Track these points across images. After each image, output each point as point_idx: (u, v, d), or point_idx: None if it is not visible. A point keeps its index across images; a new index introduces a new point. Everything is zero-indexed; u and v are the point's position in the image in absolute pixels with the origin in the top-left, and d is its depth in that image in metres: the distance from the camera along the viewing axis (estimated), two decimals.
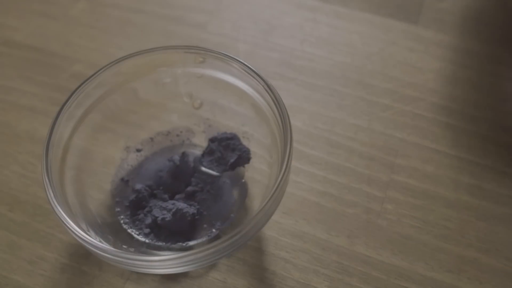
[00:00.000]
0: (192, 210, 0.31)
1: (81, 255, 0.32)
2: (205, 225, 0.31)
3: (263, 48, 0.43)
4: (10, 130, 0.38)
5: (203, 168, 0.33)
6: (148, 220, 0.31)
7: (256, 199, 0.32)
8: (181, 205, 0.31)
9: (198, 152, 0.34)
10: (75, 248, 0.32)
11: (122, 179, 0.33)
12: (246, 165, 0.33)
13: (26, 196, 0.35)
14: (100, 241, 0.25)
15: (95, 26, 0.46)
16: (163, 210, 0.31)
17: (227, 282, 0.31)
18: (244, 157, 0.33)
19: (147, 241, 0.30)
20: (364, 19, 0.45)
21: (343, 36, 0.44)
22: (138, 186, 0.32)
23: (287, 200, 0.34)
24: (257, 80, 0.29)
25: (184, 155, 0.34)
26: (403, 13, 0.46)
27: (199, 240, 0.31)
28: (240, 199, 0.32)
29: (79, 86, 0.30)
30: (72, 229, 0.25)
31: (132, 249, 0.30)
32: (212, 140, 0.34)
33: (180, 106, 0.35)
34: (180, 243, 0.30)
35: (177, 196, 0.32)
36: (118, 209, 0.32)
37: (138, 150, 0.35)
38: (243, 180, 0.33)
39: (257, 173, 0.32)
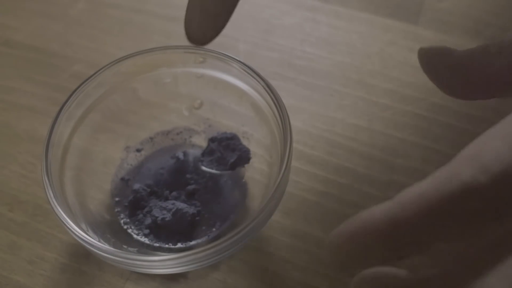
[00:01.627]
0: (192, 210, 0.31)
1: (81, 255, 0.32)
2: (205, 225, 0.31)
3: (263, 48, 0.43)
4: (10, 130, 0.38)
5: (203, 168, 0.33)
6: (148, 220, 0.31)
7: (256, 199, 0.32)
8: (181, 205, 0.31)
9: (198, 152, 0.34)
10: (75, 248, 0.32)
11: (122, 179, 0.33)
12: (246, 165, 0.33)
13: (26, 196, 0.35)
14: (100, 241, 0.25)
15: (95, 26, 0.46)
16: (163, 210, 0.31)
17: (227, 282, 0.31)
18: (244, 157, 0.33)
19: (147, 241, 0.30)
20: (364, 19, 0.45)
21: (343, 36, 0.44)
22: (136, 186, 0.32)
23: (287, 200, 0.34)
24: (257, 80, 0.29)
25: (185, 154, 0.34)
26: (403, 13, 0.46)
27: (199, 240, 0.31)
28: (240, 199, 0.32)
29: (79, 86, 0.30)
30: (72, 229, 0.25)
31: (132, 249, 0.30)
32: (212, 140, 0.34)
33: (180, 106, 0.35)
34: (180, 243, 0.30)
35: (174, 193, 0.32)
36: (118, 209, 0.32)
37: (138, 150, 0.35)
38: (243, 180, 0.33)
39: (257, 173, 0.32)
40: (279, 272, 0.31)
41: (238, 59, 0.30)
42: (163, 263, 0.24)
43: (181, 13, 0.46)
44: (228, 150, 0.33)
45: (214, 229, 0.31)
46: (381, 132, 0.37)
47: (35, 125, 0.38)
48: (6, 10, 0.47)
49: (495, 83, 0.23)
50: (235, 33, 0.44)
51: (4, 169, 0.36)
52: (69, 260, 0.32)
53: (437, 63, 0.24)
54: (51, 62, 0.43)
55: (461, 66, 0.23)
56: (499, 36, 0.43)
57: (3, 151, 0.37)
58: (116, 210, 0.32)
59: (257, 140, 0.33)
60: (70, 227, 0.25)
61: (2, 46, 0.44)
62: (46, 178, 0.27)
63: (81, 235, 0.25)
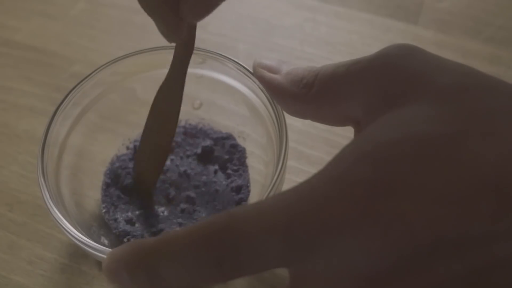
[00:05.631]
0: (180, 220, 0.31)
1: (81, 255, 0.32)
2: None
3: (263, 48, 0.43)
4: (10, 130, 0.38)
5: (200, 168, 0.33)
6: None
7: (255, 199, 0.32)
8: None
9: (195, 151, 0.34)
10: (74, 248, 0.32)
11: (115, 178, 0.33)
12: (243, 165, 0.33)
13: (26, 196, 0.35)
14: (96, 241, 0.25)
15: (95, 26, 0.46)
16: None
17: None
18: (239, 157, 0.33)
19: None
20: (363, 19, 0.45)
21: (342, 36, 0.44)
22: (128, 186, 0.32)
23: None
24: (252, 80, 0.30)
25: (182, 153, 0.34)
26: (403, 13, 0.46)
27: None
28: (240, 198, 0.32)
29: (76, 85, 0.30)
30: (68, 230, 0.25)
31: None
32: (208, 140, 0.34)
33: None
34: None
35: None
36: (108, 209, 0.32)
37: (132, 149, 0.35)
38: (242, 179, 0.33)
39: (255, 172, 0.32)
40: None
41: (233, 59, 0.30)
42: None
43: None
44: (224, 150, 0.33)
45: None
46: None
47: (35, 125, 0.38)
48: (6, 10, 0.47)
49: (301, 113, 0.25)
50: (235, 33, 0.44)
51: (4, 169, 0.36)
52: (68, 260, 0.32)
53: (263, 86, 0.26)
54: (51, 62, 0.43)
55: (276, 96, 0.26)
56: (498, 36, 0.43)
57: (3, 151, 0.37)
58: (107, 209, 0.32)
59: (254, 140, 0.33)
60: (66, 228, 0.25)
61: (2, 46, 0.44)
62: (42, 179, 0.27)
63: (76, 235, 0.25)
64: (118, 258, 0.18)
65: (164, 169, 0.33)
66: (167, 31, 0.24)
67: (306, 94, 0.24)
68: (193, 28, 0.25)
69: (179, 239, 0.17)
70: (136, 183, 0.32)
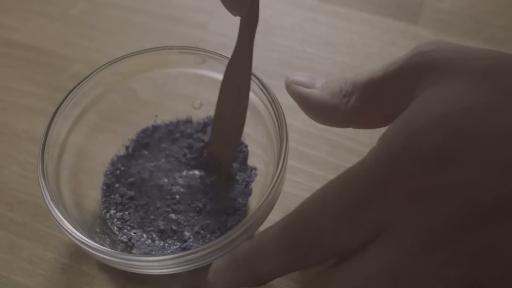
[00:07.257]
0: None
1: (81, 255, 0.32)
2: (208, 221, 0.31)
3: (263, 48, 0.43)
4: (10, 130, 0.38)
5: (202, 167, 0.33)
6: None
7: (255, 199, 0.32)
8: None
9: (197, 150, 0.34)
10: (74, 248, 0.32)
11: (114, 180, 0.33)
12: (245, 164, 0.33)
13: (26, 196, 0.35)
14: (96, 242, 0.25)
15: (95, 26, 0.46)
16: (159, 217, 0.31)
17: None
18: (242, 157, 0.33)
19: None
20: (364, 19, 0.45)
21: (343, 36, 0.44)
22: (124, 189, 0.32)
23: (287, 200, 0.34)
24: (252, 80, 0.29)
25: (185, 153, 0.34)
26: (403, 13, 0.46)
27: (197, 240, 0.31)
28: (243, 198, 0.32)
29: (76, 85, 0.30)
30: (68, 230, 0.25)
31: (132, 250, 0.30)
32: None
33: (180, 106, 0.35)
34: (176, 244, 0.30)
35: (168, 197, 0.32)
36: (108, 209, 0.32)
37: (134, 150, 0.35)
38: (243, 179, 0.33)
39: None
40: None
41: None
42: (160, 263, 0.24)
43: (181, 13, 0.47)
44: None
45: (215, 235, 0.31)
46: (381, 132, 0.37)
47: (35, 125, 0.38)
48: (6, 10, 0.47)
49: (343, 122, 0.27)
50: (235, 33, 0.44)
51: (4, 169, 0.36)
52: (69, 260, 0.32)
53: (299, 101, 0.28)
54: (51, 62, 0.43)
55: (315, 110, 0.27)
56: (498, 36, 0.43)
57: (3, 151, 0.37)
58: (107, 211, 0.32)
59: (254, 140, 0.33)
60: (66, 228, 0.25)
61: (2, 46, 0.44)
62: (42, 180, 0.27)
63: (76, 235, 0.25)
64: (221, 271, 0.23)
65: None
66: (233, 4, 0.25)
67: (347, 104, 0.25)
68: (256, 0, 0.26)
69: (267, 243, 0.22)
70: (213, 155, 0.33)
